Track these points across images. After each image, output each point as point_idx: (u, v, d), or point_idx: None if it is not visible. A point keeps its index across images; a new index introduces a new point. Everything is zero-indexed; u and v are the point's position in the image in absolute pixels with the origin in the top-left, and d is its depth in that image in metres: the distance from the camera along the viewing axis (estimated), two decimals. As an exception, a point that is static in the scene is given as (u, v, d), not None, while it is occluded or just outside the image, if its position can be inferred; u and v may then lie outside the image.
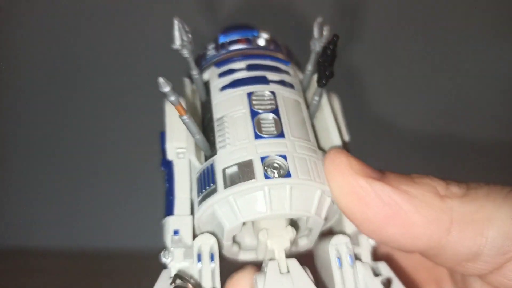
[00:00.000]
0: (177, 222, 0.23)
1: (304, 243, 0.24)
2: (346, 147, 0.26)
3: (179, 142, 0.25)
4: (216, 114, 0.24)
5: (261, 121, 0.23)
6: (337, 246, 0.22)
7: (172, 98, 0.20)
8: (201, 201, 0.22)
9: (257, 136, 0.22)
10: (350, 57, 0.54)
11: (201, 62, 0.27)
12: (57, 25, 0.57)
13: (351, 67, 0.54)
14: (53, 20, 0.57)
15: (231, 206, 0.21)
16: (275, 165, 0.21)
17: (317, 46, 0.25)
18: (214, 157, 0.22)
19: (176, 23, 0.23)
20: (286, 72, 0.26)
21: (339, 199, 0.21)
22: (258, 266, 0.22)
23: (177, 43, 0.23)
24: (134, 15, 0.58)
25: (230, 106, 0.24)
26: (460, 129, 0.53)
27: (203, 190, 0.22)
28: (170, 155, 0.25)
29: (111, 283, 0.44)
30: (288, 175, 0.21)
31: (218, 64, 0.26)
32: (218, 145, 0.22)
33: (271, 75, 0.25)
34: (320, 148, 0.24)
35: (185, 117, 0.21)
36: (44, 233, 0.48)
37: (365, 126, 0.51)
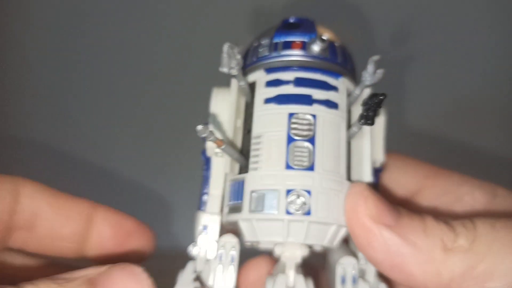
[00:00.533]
0: (207, 219, 0.26)
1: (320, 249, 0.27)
2: (377, 174, 0.26)
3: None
4: (256, 129, 0.24)
5: (296, 149, 0.23)
6: (344, 266, 0.25)
7: (211, 138, 0.22)
8: (229, 212, 0.24)
9: (288, 167, 0.23)
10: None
11: (252, 57, 0.27)
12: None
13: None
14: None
15: (252, 227, 0.23)
16: (298, 200, 0.22)
17: (367, 80, 0.24)
18: (246, 175, 0.24)
19: (226, 49, 0.23)
20: (334, 88, 0.25)
21: (354, 238, 0.23)
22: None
23: (225, 69, 0.23)
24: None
25: (269, 125, 0.24)
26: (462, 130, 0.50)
27: (233, 201, 0.24)
28: (209, 153, 0.27)
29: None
30: (308, 213, 0.22)
31: (268, 70, 0.25)
32: (251, 165, 0.24)
33: (316, 93, 0.24)
34: (349, 172, 0.24)
35: (223, 147, 0.23)
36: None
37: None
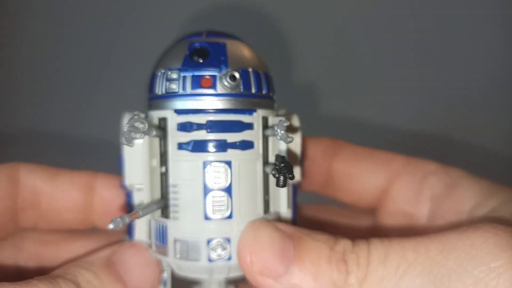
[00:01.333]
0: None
1: None
2: (295, 191, 0.27)
3: (137, 180, 0.26)
4: (172, 177, 0.25)
5: (213, 199, 0.24)
6: None
7: (125, 223, 0.22)
8: (156, 251, 0.26)
9: (206, 217, 0.24)
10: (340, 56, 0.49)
11: (160, 88, 0.25)
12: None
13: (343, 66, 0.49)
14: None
15: (179, 266, 0.25)
16: (219, 249, 0.24)
17: (279, 134, 0.23)
18: (168, 222, 0.25)
19: (127, 127, 0.21)
20: (249, 126, 0.25)
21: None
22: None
23: (131, 145, 0.22)
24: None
25: (185, 174, 0.24)
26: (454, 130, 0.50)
27: (159, 242, 0.26)
28: (129, 188, 0.27)
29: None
30: (229, 258, 0.24)
31: (178, 111, 0.24)
32: (172, 213, 0.25)
33: (231, 137, 0.24)
34: (268, 203, 0.26)
35: (140, 214, 0.23)
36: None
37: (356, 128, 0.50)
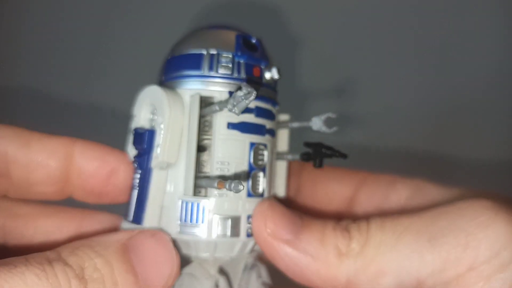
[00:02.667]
0: None
1: None
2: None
3: (175, 156, 0.25)
4: (219, 153, 0.25)
5: (255, 178, 0.26)
6: None
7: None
8: (181, 231, 0.25)
9: (249, 195, 0.26)
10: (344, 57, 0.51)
11: (210, 68, 0.25)
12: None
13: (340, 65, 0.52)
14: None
15: (215, 246, 0.25)
16: None
17: (316, 127, 0.28)
18: (207, 200, 0.25)
19: (244, 90, 0.22)
20: (274, 117, 0.28)
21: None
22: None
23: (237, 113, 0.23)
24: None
25: (233, 152, 0.25)
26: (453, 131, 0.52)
27: (187, 222, 0.25)
28: (154, 165, 0.25)
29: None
30: (258, 234, 0.26)
31: (231, 93, 0.25)
32: (216, 190, 0.25)
33: (268, 124, 0.27)
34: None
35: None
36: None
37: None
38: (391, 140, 0.49)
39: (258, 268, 0.28)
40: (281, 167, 0.30)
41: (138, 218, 0.25)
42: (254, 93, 0.22)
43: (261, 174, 0.26)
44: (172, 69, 0.26)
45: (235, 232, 0.25)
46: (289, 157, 0.29)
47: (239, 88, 0.22)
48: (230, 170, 0.25)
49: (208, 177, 0.25)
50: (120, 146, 0.27)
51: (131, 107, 0.27)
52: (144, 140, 0.25)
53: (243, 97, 0.22)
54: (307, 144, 0.28)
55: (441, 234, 0.22)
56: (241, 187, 0.22)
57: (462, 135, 0.51)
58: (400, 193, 0.30)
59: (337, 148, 0.27)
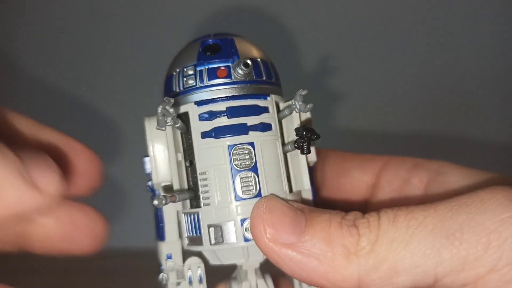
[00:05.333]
0: (169, 248, 0.28)
1: None
2: (311, 172, 0.28)
3: (165, 178, 0.27)
4: (199, 165, 0.26)
5: (242, 180, 0.25)
6: None
7: (167, 203, 0.23)
8: (189, 243, 0.26)
9: (238, 198, 0.25)
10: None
11: (178, 86, 0.26)
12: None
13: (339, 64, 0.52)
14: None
15: (215, 255, 0.26)
16: None
17: (297, 109, 0.25)
18: (200, 210, 0.25)
19: (160, 110, 0.23)
20: (265, 110, 0.26)
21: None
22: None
23: (163, 129, 0.23)
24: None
25: (211, 159, 0.25)
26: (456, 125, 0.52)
27: (191, 233, 0.26)
28: (156, 188, 0.28)
29: (111, 283, 0.49)
30: (263, 236, 0.25)
31: (198, 102, 0.26)
32: (203, 200, 0.25)
33: (250, 120, 0.26)
34: (290, 182, 0.27)
35: (176, 200, 0.24)
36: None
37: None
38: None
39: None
40: (300, 158, 0.27)
41: (160, 236, 0.28)
42: (170, 110, 0.23)
43: (251, 174, 0.25)
44: (164, 91, 0.28)
45: (230, 238, 0.25)
46: (289, 148, 0.26)
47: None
48: (211, 179, 0.25)
49: (182, 191, 0.26)
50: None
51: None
52: (147, 166, 0.28)
53: (160, 113, 0.23)
54: (296, 130, 0.25)
55: (460, 230, 0.21)
56: (163, 201, 0.22)
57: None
58: (421, 176, 0.29)
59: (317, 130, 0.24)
